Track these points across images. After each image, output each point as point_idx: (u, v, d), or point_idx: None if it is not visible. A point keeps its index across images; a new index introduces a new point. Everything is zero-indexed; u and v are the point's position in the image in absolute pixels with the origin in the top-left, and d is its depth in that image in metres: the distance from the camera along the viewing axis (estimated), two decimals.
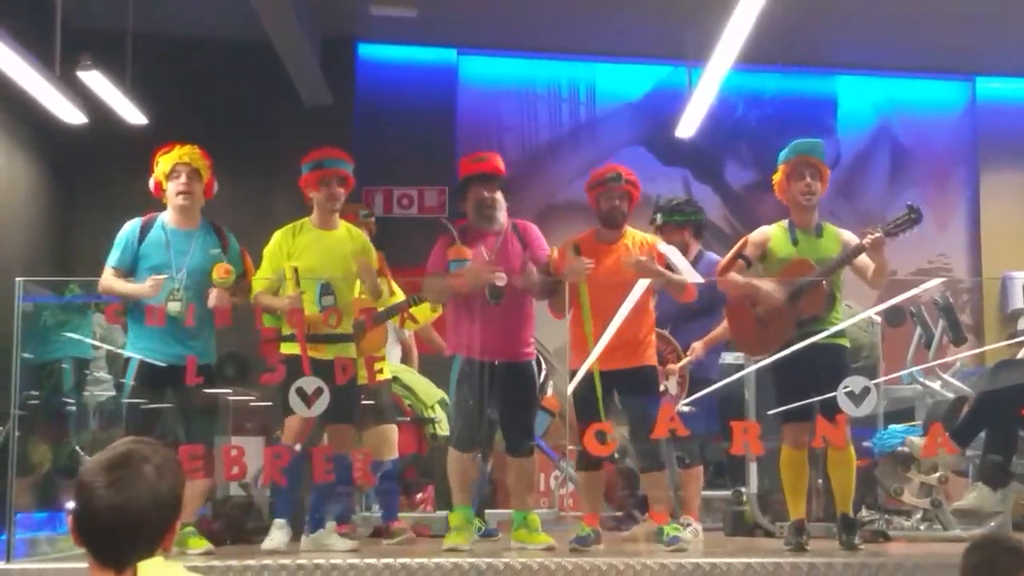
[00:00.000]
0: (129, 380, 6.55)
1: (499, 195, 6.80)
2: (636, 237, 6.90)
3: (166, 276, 6.51)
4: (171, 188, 6.70)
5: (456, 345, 6.80)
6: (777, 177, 6.86)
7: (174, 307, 6.49)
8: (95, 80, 10.46)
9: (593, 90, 14.23)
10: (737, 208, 13.93)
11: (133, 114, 11.21)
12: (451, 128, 13.62)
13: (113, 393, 9.07)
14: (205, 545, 6.47)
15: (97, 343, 8.89)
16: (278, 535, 6.53)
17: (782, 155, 6.85)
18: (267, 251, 6.80)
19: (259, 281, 6.72)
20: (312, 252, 6.74)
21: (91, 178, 12.75)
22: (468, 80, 13.99)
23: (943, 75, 14.38)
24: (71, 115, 10.33)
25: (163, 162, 6.71)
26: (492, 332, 6.63)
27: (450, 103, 13.75)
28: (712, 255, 8.12)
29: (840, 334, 6.73)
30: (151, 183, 6.76)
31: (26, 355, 6.59)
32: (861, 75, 14.40)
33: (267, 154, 12.48)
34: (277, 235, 6.83)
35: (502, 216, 6.80)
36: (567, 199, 13.63)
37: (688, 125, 12.00)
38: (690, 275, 6.78)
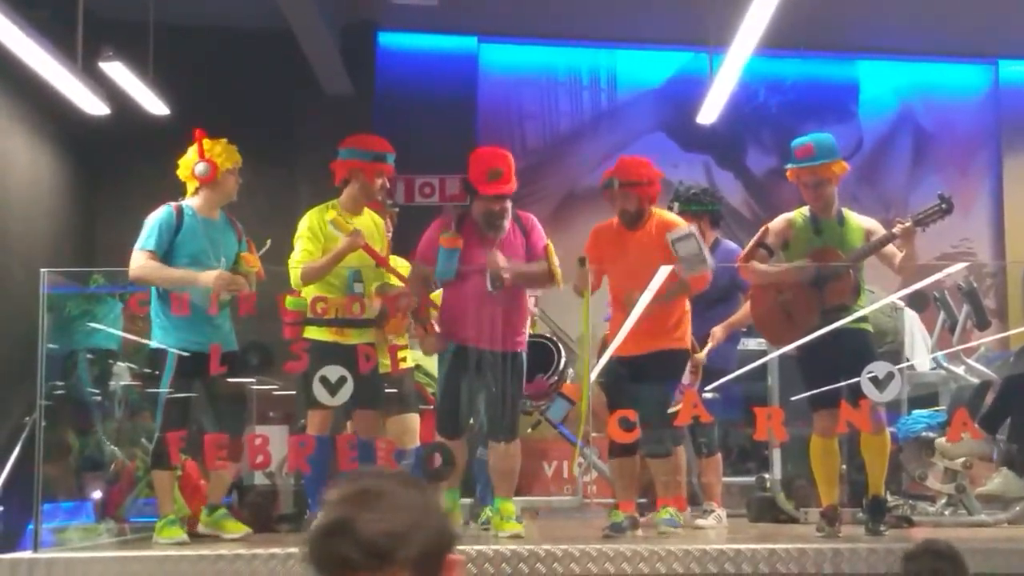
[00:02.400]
0: (169, 372, 6.53)
1: (508, 204, 6.76)
2: (660, 221, 6.88)
3: (227, 271, 6.53)
4: (232, 181, 6.74)
5: (449, 332, 6.81)
6: (788, 175, 6.85)
7: (224, 296, 6.51)
8: (117, 71, 10.49)
9: (614, 77, 14.21)
10: (758, 194, 13.90)
11: (155, 104, 11.25)
12: (472, 116, 13.62)
13: (136, 383, 9.15)
14: (243, 529, 6.54)
15: (123, 333, 8.93)
16: None
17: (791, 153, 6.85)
18: (307, 229, 6.77)
19: (301, 258, 6.70)
20: (340, 238, 6.77)
21: (114, 169, 12.80)
22: (489, 68, 13.98)
23: (965, 59, 14.31)
24: (94, 106, 10.35)
25: (227, 153, 6.72)
26: (487, 321, 6.66)
27: (471, 91, 13.75)
28: (729, 243, 8.12)
29: (863, 320, 6.71)
30: (204, 167, 6.64)
31: (51, 345, 6.61)
32: (883, 59, 14.34)
33: (288, 142, 12.52)
34: (311, 215, 6.83)
35: (508, 223, 6.76)
36: (588, 186, 13.60)
37: (709, 111, 11.96)
38: (700, 263, 6.70)
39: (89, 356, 9.29)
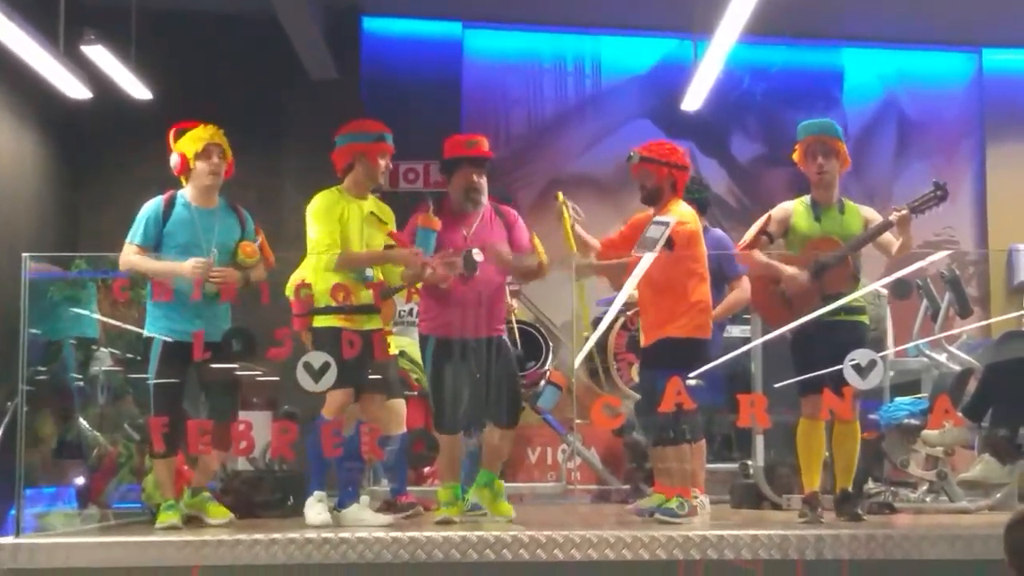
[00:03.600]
0: (155, 359, 6.56)
1: (485, 179, 6.90)
2: (673, 212, 6.87)
3: (207, 259, 6.54)
4: (202, 167, 6.73)
5: (429, 327, 6.86)
6: (795, 156, 6.91)
7: (211, 287, 6.52)
8: (99, 55, 10.45)
9: (599, 63, 14.19)
10: (743, 181, 13.90)
11: (138, 89, 11.21)
12: (457, 102, 13.59)
13: (118, 369, 9.14)
14: (227, 515, 6.56)
15: (104, 319, 8.90)
16: (320, 509, 6.53)
17: (798, 134, 6.91)
18: (320, 212, 6.71)
19: (329, 240, 6.67)
20: (350, 221, 6.74)
21: (96, 153, 12.76)
22: (473, 53, 13.94)
23: (950, 47, 14.32)
24: (76, 90, 10.33)
25: (192, 140, 6.73)
26: (466, 310, 6.71)
27: (455, 77, 13.71)
28: (717, 231, 8.15)
29: (860, 311, 6.77)
30: (174, 159, 6.74)
31: (33, 331, 6.60)
32: (867, 47, 14.34)
33: (273, 127, 12.49)
34: (325, 196, 6.78)
35: (485, 199, 6.90)
36: (573, 172, 13.62)
37: (694, 98, 11.97)
38: (648, 247, 6.71)
39: (72, 342, 9.26)
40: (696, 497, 7.49)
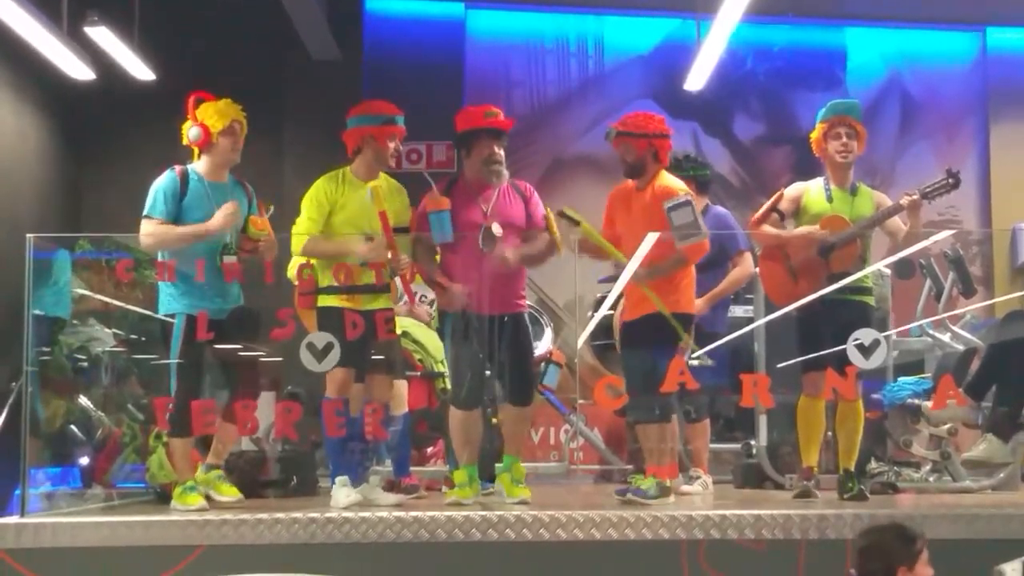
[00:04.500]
0: (178, 337, 6.52)
1: (503, 151, 6.81)
2: (660, 185, 6.85)
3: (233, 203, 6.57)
4: (226, 143, 6.70)
5: (448, 303, 6.82)
6: (814, 135, 6.94)
7: (230, 260, 6.52)
8: (102, 36, 10.42)
9: (601, 43, 14.15)
10: (745, 161, 13.87)
11: (141, 70, 11.19)
12: (459, 82, 13.55)
13: (122, 349, 9.14)
14: (237, 494, 6.56)
15: (106, 299, 8.89)
16: (346, 491, 6.50)
17: (820, 113, 6.99)
18: (310, 197, 6.75)
19: (304, 227, 6.70)
20: (355, 203, 6.75)
21: (100, 134, 12.74)
22: (476, 34, 13.91)
23: (953, 26, 14.26)
24: (79, 71, 10.32)
25: (218, 115, 6.69)
26: (485, 286, 6.66)
27: (458, 57, 13.68)
28: (718, 208, 8.16)
29: (867, 291, 6.79)
30: (196, 132, 6.66)
31: (37, 311, 6.60)
32: (870, 26, 14.28)
33: (275, 108, 12.46)
34: (321, 182, 6.80)
35: (505, 171, 6.81)
36: (575, 153, 13.60)
37: (697, 78, 11.94)
38: (693, 232, 6.70)
39: (75, 322, 9.26)
40: (699, 476, 7.53)
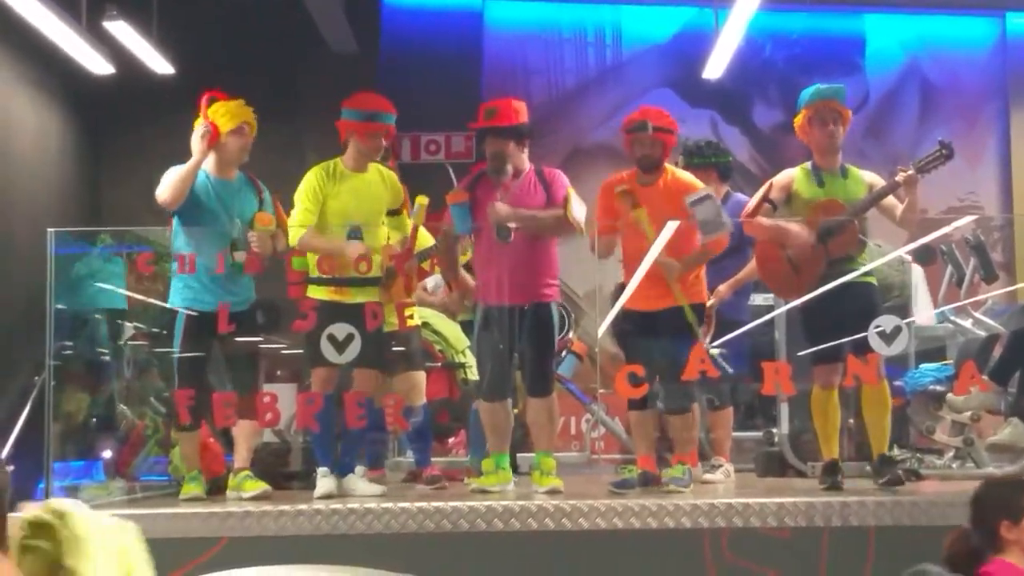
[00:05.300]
0: (179, 331, 6.60)
1: (511, 146, 6.76)
2: (673, 179, 6.86)
3: (232, 228, 6.62)
4: (234, 143, 6.77)
5: (478, 293, 6.87)
6: (798, 120, 6.84)
7: (240, 256, 6.56)
8: (121, 30, 10.47)
9: (619, 33, 14.15)
10: (765, 149, 13.86)
11: (160, 64, 11.23)
12: (477, 73, 13.58)
13: (143, 342, 9.17)
14: (261, 487, 6.55)
15: (130, 293, 8.92)
16: (327, 482, 6.57)
17: (803, 98, 6.82)
18: (303, 190, 6.76)
19: (300, 219, 6.69)
20: (346, 194, 6.76)
21: (119, 128, 12.79)
22: (494, 24, 13.92)
23: (972, 11, 14.22)
24: (98, 66, 10.36)
25: (228, 115, 6.74)
26: (513, 276, 6.66)
27: (476, 48, 13.70)
28: (741, 196, 8.10)
29: (868, 272, 6.72)
30: (205, 129, 6.69)
31: (59, 306, 6.63)
32: (889, 12, 14.26)
33: (293, 101, 12.48)
34: (312, 174, 6.80)
35: (511, 167, 6.77)
36: (594, 142, 13.60)
37: (715, 66, 11.92)
38: (719, 227, 6.68)
39: (98, 316, 9.29)
40: (721, 465, 7.52)
